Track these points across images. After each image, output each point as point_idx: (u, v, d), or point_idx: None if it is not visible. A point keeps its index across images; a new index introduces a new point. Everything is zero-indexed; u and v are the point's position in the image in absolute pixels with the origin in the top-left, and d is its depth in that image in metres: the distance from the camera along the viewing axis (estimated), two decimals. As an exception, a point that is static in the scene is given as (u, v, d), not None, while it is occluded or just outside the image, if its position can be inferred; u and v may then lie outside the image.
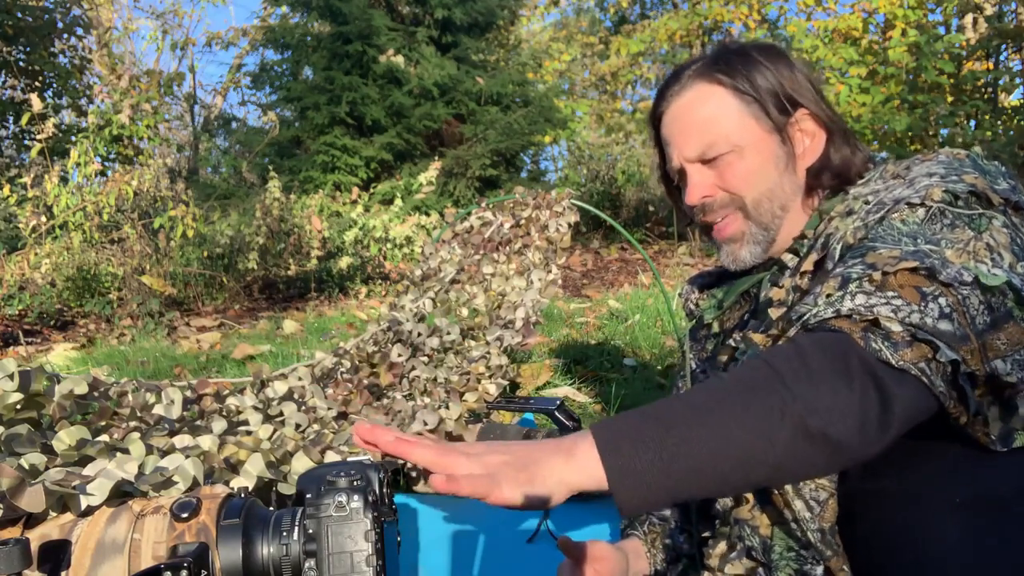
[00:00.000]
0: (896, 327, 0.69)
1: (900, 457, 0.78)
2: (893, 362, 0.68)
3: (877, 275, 0.73)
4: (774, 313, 0.88)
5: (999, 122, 6.50)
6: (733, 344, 0.95)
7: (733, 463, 0.66)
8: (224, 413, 1.52)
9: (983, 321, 0.72)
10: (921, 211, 0.79)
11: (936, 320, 0.70)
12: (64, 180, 4.62)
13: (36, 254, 4.17)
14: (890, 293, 0.72)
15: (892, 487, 0.79)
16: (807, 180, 0.98)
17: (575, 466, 0.66)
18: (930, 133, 6.49)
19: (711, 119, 0.97)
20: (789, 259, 0.94)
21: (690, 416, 0.66)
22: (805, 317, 0.75)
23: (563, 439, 0.69)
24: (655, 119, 1.06)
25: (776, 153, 0.97)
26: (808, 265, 0.89)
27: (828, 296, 0.75)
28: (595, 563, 0.98)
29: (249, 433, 1.39)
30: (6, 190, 4.67)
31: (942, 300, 0.71)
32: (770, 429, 0.65)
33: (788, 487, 0.80)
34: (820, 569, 0.80)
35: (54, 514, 0.92)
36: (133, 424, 1.33)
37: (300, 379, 1.76)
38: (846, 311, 0.71)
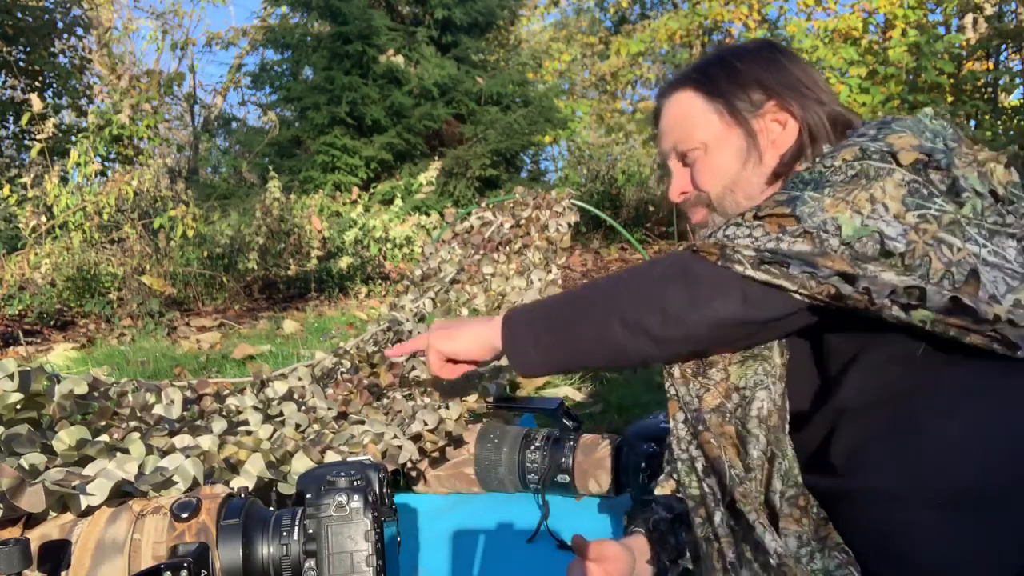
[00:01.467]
0: (748, 252, 0.81)
1: (880, 456, 0.79)
2: (748, 269, 0.80)
3: (750, 213, 0.85)
4: None
5: (999, 122, 6.50)
6: None
7: (588, 351, 0.92)
8: (224, 413, 1.52)
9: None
10: (829, 169, 0.85)
11: (791, 245, 0.80)
12: (64, 180, 4.61)
13: (36, 254, 4.17)
14: (756, 224, 0.83)
15: (874, 487, 0.79)
16: (779, 167, 1.00)
17: (489, 331, 1.00)
18: (930, 133, 6.47)
19: (680, 118, 1.06)
20: None
21: (564, 314, 0.93)
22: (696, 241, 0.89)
23: (490, 317, 1.02)
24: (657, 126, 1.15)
25: (739, 146, 1.01)
26: None
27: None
28: (606, 563, 0.99)
29: (249, 433, 1.39)
30: (6, 190, 4.66)
31: (800, 240, 0.80)
32: (607, 322, 0.87)
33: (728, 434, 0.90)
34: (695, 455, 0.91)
35: (54, 514, 0.92)
36: (133, 424, 1.33)
37: (300, 379, 1.76)
38: (712, 239, 0.85)
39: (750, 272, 0.80)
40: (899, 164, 0.81)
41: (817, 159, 0.90)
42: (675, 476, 0.93)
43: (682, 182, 1.08)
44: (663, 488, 1.04)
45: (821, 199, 0.81)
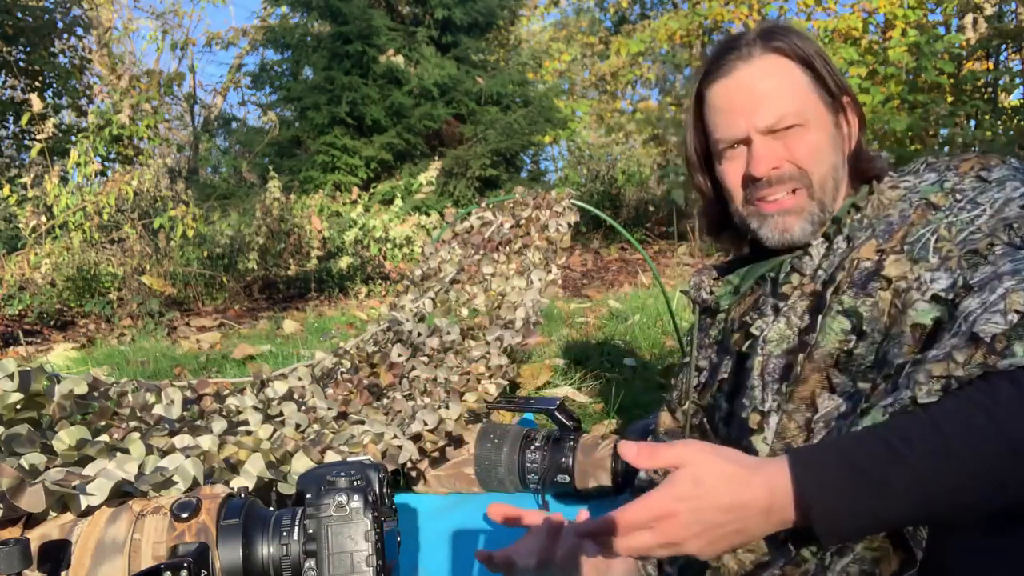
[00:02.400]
0: None
1: None
2: None
3: None
4: (793, 293, 0.89)
5: (999, 122, 6.49)
6: (756, 332, 0.96)
7: (938, 522, 0.69)
8: (224, 413, 1.52)
9: None
10: None
11: None
12: (64, 180, 4.61)
13: (36, 254, 4.17)
14: None
15: None
16: (855, 163, 0.99)
17: (769, 526, 0.69)
18: (930, 133, 6.49)
19: (784, 90, 0.96)
20: (818, 243, 0.94)
21: (906, 483, 0.65)
22: (1018, 353, 0.68)
23: (769, 499, 0.67)
24: (703, 89, 1.03)
25: (832, 133, 0.98)
26: (869, 252, 0.87)
27: (1019, 315, 0.70)
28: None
29: (249, 433, 1.39)
30: (6, 190, 4.66)
31: None
32: (993, 498, 0.65)
33: None
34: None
35: (54, 514, 0.92)
36: (133, 424, 1.33)
37: (300, 379, 1.76)
38: None
39: None
40: None
41: (962, 192, 0.86)
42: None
43: (776, 154, 0.96)
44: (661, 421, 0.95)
45: None
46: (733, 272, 1.10)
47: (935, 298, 0.79)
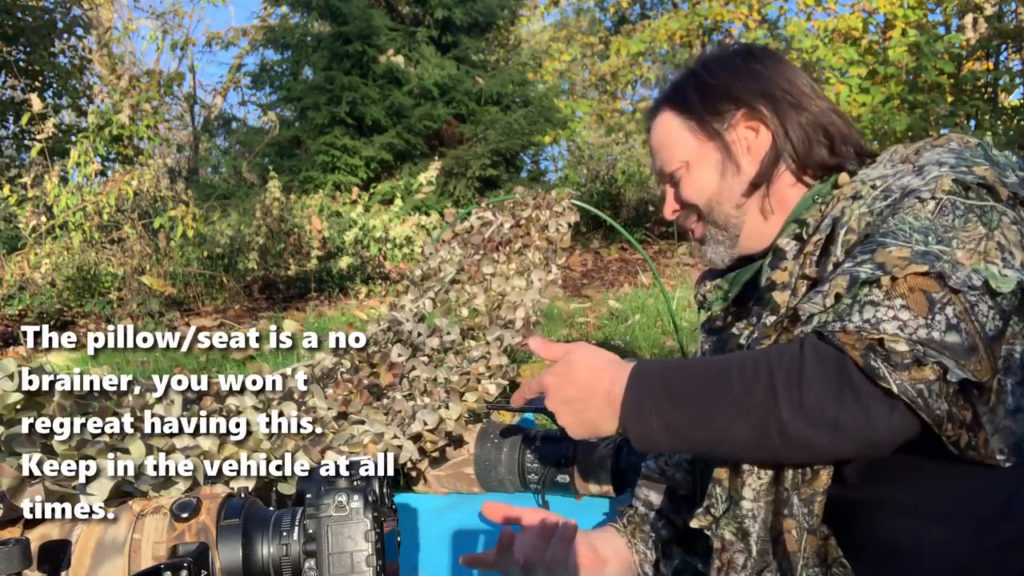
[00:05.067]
0: (902, 346, 0.69)
1: (900, 468, 0.79)
2: (893, 387, 0.68)
3: (886, 279, 0.73)
4: (779, 297, 0.88)
5: (999, 122, 6.50)
6: (736, 332, 0.96)
7: (723, 449, 0.82)
8: (224, 413, 1.52)
9: (993, 327, 0.71)
10: (932, 204, 0.77)
11: (944, 333, 0.69)
12: (64, 180, 4.62)
13: (36, 254, 4.17)
14: (898, 302, 0.71)
15: (890, 497, 0.80)
16: (759, 175, 0.99)
17: (612, 414, 0.84)
18: (930, 133, 6.47)
19: (662, 142, 1.06)
20: (786, 243, 0.94)
21: (696, 401, 0.80)
22: (813, 321, 0.76)
23: (610, 388, 0.84)
24: None
25: (716, 159, 1.01)
26: (811, 247, 0.88)
27: (837, 297, 0.75)
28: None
29: (249, 433, 1.39)
30: (6, 190, 4.67)
31: (950, 309, 0.70)
32: (755, 432, 0.76)
33: None
34: (758, 524, 0.84)
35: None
36: (133, 424, 1.33)
37: (300, 379, 1.76)
38: (852, 328, 0.72)
39: (905, 390, 0.69)
40: (995, 199, 0.77)
41: (884, 179, 0.85)
42: (713, 513, 0.87)
43: (672, 201, 1.08)
44: (698, 521, 0.92)
45: (951, 251, 0.73)
46: (726, 276, 1.11)
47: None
